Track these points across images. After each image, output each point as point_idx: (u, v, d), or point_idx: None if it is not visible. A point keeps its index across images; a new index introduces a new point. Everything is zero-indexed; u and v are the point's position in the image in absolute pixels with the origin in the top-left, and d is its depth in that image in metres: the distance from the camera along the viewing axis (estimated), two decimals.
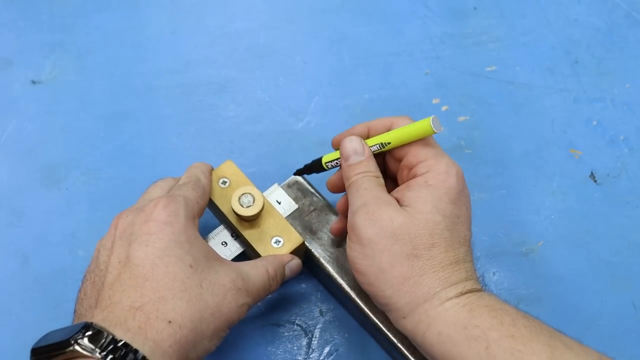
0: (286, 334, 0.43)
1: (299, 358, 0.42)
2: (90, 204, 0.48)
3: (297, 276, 0.40)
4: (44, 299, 0.44)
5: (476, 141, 0.52)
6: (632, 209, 0.49)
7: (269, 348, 0.42)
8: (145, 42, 0.56)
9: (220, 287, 0.33)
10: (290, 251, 0.40)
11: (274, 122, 0.52)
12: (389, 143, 0.37)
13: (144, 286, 0.31)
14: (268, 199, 0.42)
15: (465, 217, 0.35)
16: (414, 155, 0.36)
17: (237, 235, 0.41)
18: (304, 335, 0.43)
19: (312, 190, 0.44)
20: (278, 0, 0.59)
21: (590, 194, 0.50)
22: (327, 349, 0.43)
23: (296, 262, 0.39)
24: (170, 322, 0.30)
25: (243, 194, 0.39)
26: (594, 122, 0.53)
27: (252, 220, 0.40)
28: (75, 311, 0.34)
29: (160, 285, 0.31)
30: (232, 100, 0.53)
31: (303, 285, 0.45)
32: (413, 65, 0.56)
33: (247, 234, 0.40)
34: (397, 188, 0.37)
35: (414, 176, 0.36)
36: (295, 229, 0.41)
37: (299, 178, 0.44)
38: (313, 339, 0.43)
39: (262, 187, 0.48)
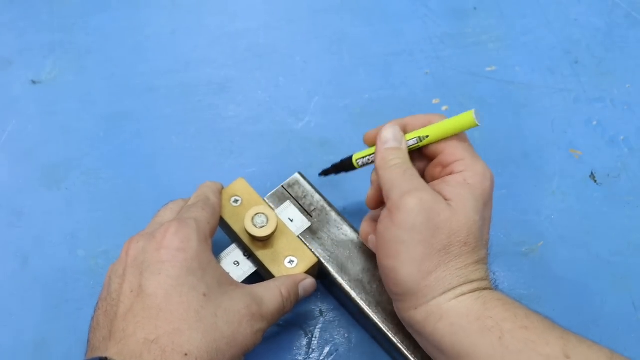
0: (286, 334, 0.43)
1: (299, 358, 0.42)
2: (90, 204, 0.48)
3: None
4: (44, 299, 0.44)
5: (476, 141, 0.51)
6: (632, 209, 0.49)
7: (269, 348, 0.42)
8: (145, 42, 0.56)
9: (235, 314, 0.32)
10: (304, 271, 0.39)
11: (274, 122, 0.52)
12: (427, 136, 0.36)
13: (158, 317, 0.30)
14: (280, 217, 0.41)
15: (489, 221, 0.36)
16: (451, 153, 0.36)
17: (249, 255, 0.40)
18: (304, 335, 0.43)
19: (313, 190, 0.44)
20: (278, 0, 0.59)
21: (591, 194, 0.50)
22: (327, 349, 0.43)
23: (310, 281, 0.39)
24: (186, 354, 0.29)
25: (256, 214, 0.38)
26: (594, 122, 0.53)
27: (265, 240, 0.40)
28: (88, 341, 0.33)
29: (174, 317, 0.30)
30: (232, 100, 0.53)
31: None
32: (413, 65, 0.56)
33: (260, 254, 0.39)
34: (432, 182, 0.36)
35: (450, 173, 0.35)
36: (311, 246, 0.41)
37: (299, 177, 0.44)
38: (313, 339, 0.43)
39: (263, 187, 0.48)
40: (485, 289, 0.33)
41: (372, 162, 0.39)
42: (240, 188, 0.41)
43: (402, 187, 0.34)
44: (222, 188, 0.41)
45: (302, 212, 0.43)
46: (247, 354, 0.34)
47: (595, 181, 0.50)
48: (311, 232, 0.42)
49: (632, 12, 0.60)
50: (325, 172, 0.43)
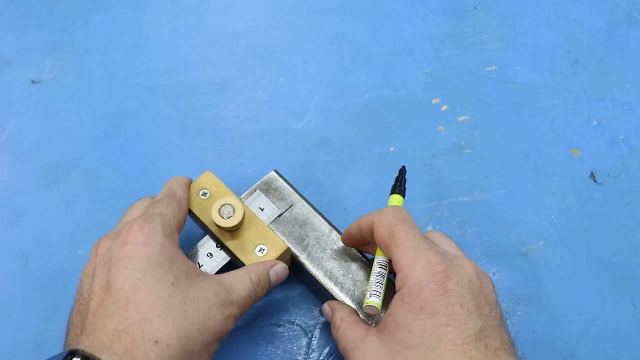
0: (286, 334, 0.43)
1: (299, 358, 0.42)
2: (90, 204, 0.48)
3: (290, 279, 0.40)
4: (44, 299, 0.44)
5: (476, 141, 0.52)
6: (632, 209, 0.49)
7: (269, 348, 0.42)
8: (145, 42, 0.56)
9: (205, 301, 0.33)
10: (275, 258, 0.39)
11: (274, 122, 0.52)
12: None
13: (127, 309, 0.31)
14: (250, 207, 0.42)
15: (461, 318, 0.31)
16: (395, 264, 0.34)
17: (222, 246, 0.41)
18: (304, 335, 0.43)
19: (289, 188, 0.43)
20: (278, 0, 0.59)
21: (591, 194, 0.50)
22: (327, 349, 0.42)
23: (281, 266, 0.39)
24: (157, 342, 0.30)
25: (223, 205, 0.39)
26: (594, 122, 0.53)
27: (234, 231, 0.40)
28: (65, 343, 0.34)
29: (143, 307, 0.31)
30: (232, 100, 0.53)
31: (303, 286, 0.45)
32: (413, 65, 0.56)
33: (231, 244, 0.40)
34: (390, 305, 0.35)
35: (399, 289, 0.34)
36: (281, 235, 0.41)
37: (275, 175, 0.44)
38: (313, 339, 0.43)
39: None
40: None
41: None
42: (208, 181, 0.41)
43: (347, 347, 0.36)
44: (191, 182, 0.41)
45: (274, 203, 0.43)
46: (223, 340, 0.34)
47: (595, 181, 0.50)
48: (283, 224, 0.42)
49: (632, 12, 0.60)
50: None
